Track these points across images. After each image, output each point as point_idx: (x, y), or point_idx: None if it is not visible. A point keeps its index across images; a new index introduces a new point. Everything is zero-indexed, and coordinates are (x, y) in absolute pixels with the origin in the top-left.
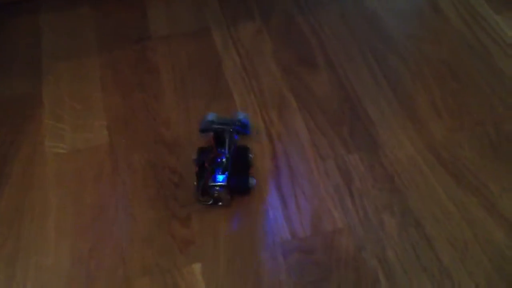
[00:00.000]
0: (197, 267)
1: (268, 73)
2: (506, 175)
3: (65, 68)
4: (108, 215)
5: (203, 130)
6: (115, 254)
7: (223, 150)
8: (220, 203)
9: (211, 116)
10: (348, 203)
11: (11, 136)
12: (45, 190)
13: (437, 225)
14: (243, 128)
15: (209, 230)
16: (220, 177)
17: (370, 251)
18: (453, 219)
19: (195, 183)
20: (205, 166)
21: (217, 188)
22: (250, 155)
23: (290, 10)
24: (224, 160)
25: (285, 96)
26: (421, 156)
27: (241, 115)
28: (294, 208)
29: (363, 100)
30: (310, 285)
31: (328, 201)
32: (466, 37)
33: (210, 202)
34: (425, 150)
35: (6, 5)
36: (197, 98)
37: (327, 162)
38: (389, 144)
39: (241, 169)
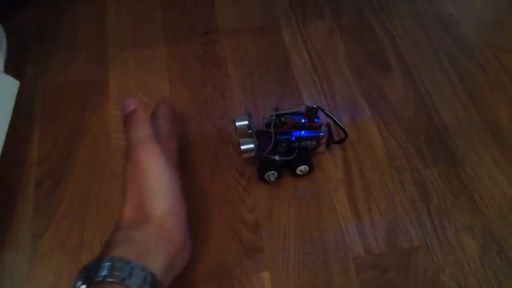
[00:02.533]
0: (266, 275)
1: (339, 75)
2: None
3: (132, 57)
4: None
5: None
6: None
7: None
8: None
9: (243, 118)
10: (426, 220)
11: (76, 124)
12: (110, 183)
13: None
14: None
15: (278, 238)
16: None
17: (450, 275)
18: None
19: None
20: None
21: (284, 142)
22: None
23: (362, 9)
24: (292, 139)
25: (357, 100)
26: (504, 176)
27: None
28: (368, 221)
29: (439, 108)
30: None
31: (404, 217)
32: None
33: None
34: (508, 171)
35: None
36: (266, 97)
37: (402, 175)
38: (469, 159)
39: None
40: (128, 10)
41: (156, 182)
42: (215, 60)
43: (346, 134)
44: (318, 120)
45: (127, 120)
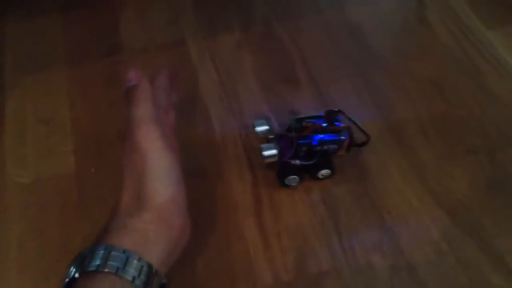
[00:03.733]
0: None
1: (247, 90)
2: (502, 211)
3: (31, 82)
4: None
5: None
6: None
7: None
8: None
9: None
10: (335, 242)
11: None
12: (5, 224)
13: (430, 268)
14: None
15: (185, 266)
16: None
17: None
18: (447, 261)
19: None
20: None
21: (305, 146)
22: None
23: (271, 20)
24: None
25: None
26: (410, 188)
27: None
28: (277, 247)
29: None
30: None
31: (313, 239)
32: (455, 54)
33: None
34: (415, 181)
35: None
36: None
37: (311, 194)
38: (377, 172)
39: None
40: (27, 32)
41: (156, 168)
42: (120, 82)
43: (368, 137)
44: (339, 123)
45: (128, 95)
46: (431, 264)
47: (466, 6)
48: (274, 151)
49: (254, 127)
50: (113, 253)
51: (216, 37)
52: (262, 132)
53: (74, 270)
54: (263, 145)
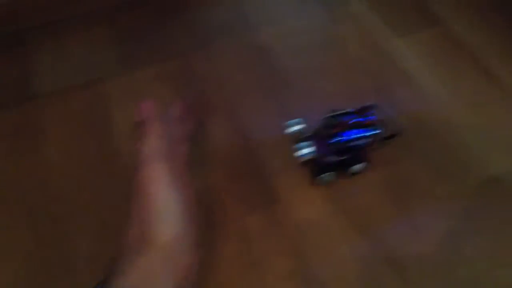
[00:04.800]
0: None
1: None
2: (403, 224)
3: None
4: None
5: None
6: None
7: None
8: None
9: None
10: (251, 272)
11: None
12: None
13: None
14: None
15: None
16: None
17: None
18: (360, 281)
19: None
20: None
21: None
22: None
23: (184, 50)
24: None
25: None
26: (322, 207)
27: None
28: None
29: (261, 149)
30: None
31: (228, 270)
32: (365, 67)
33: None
34: (318, 198)
35: None
36: (84, 164)
37: (224, 228)
38: (285, 195)
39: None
40: None
41: (164, 205)
42: (33, 130)
43: (400, 130)
44: (373, 117)
45: (139, 130)
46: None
47: (375, 17)
48: (310, 150)
49: (287, 127)
50: None
51: (134, 72)
52: (295, 132)
53: None
54: (299, 145)
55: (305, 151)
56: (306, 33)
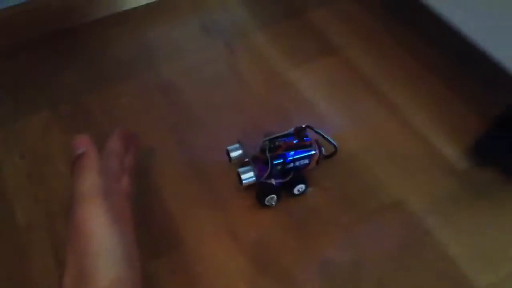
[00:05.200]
0: None
1: (56, 174)
2: (311, 256)
3: None
4: None
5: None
6: None
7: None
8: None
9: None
10: None
11: None
12: None
13: None
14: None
15: None
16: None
17: None
18: None
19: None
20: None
21: (279, 165)
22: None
23: (81, 93)
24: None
25: None
26: (222, 244)
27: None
28: None
29: (164, 192)
30: None
31: None
32: (265, 99)
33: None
34: (225, 234)
35: None
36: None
37: None
38: (191, 238)
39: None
40: None
41: (101, 246)
42: None
43: (336, 148)
44: (308, 138)
45: (73, 166)
46: None
47: (273, 48)
48: (251, 174)
49: (228, 153)
50: None
51: (22, 120)
52: (237, 157)
53: None
54: (240, 169)
55: (247, 175)
56: (208, 66)
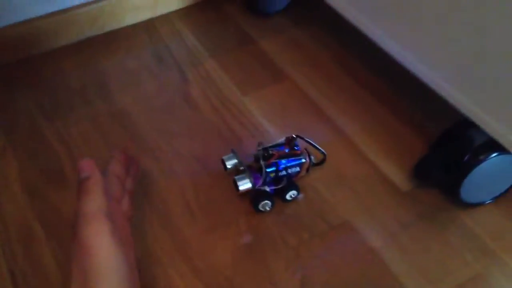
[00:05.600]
0: None
1: (11, 200)
2: (259, 275)
3: None
4: None
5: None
6: None
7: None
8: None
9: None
10: None
11: None
12: None
13: None
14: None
15: None
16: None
17: None
18: None
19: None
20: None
21: (273, 173)
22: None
23: (37, 120)
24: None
25: (31, 225)
26: (177, 272)
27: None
28: None
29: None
30: None
31: None
32: (216, 125)
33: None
34: (182, 264)
35: None
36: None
37: None
38: (144, 262)
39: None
40: None
41: (106, 265)
42: None
43: (325, 155)
44: (298, 147)
45: (79, 188)
46: None
47: (224, 75)
48: (247, 181)
49: (223, 162)
50: None
51: None
52: (232, 166)
53: None
54: (237, 177)
55: (243, 182)
56: (161, 94)
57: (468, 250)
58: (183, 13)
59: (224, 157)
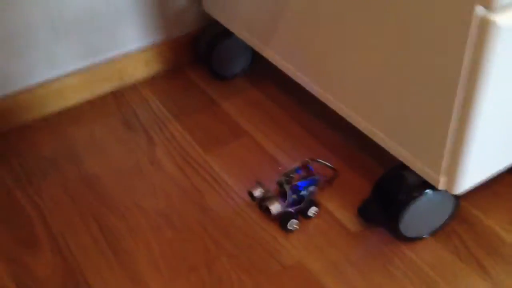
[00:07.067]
0: None
1: None
2: None
3: None
4: None
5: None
6: None
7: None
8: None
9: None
10: None
11: None
12: None
13: None
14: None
15: None
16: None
17: None
18: None
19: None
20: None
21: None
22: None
23: (8, 185)
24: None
25: (7, 287)
26: None
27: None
28: None
29: (86, 272)
30: None
31: None
32: (180, 182)
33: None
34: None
35: None
36: None
37: None
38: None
39: None
40: None
41: None
42: None
43: (336, 172)
44: (312, 169)
45: None
46: None
47: (188, 135)
48: (278, 205)
49: (251, 194)
50: None
51: None
52: (259, 195)
53: None
54: (268, 203)
55: (276, 208)
56: (129, 157)
57: (409, 280)
58: (150, 81)
59: (250, 189)
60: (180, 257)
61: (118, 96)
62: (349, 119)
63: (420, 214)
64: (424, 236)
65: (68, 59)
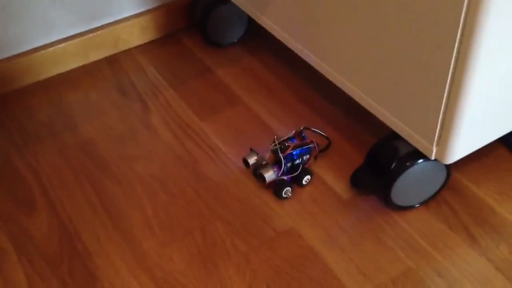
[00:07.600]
0: None
1: None
2: (210, 281)
3: None
4: None
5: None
6: None
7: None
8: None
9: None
10: None
11: None
12: None
13: None
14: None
15: None
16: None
17: None
18: None
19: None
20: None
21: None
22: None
23: (4, 148)
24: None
25: (3, 247)
26: (137, 281)
27: None
28: None
29: (81, 232)
30: None
31: None
32: (174, 148)
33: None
34: (141, 273)
35: None
36: None
37: None
38: (107, 274)
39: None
40: None
41: None
42: None
43: (329, 141)
44: (306, 137)
45: None
46: None
47: (183, 103)
48: (272, 173)
49: (245, 161)
50: None
51: None
52: (254, 163)
53: None
54: (262, 171)
55: (270, 175)
56: (123, 123)
57: (400, 248)
58: (145, 48)
59: (245, 156)
60: (174, 221)
61: (113, 62)
62: (344, 89)
63: (412, 184)
64: (416, 205)
65: (64, 25)
